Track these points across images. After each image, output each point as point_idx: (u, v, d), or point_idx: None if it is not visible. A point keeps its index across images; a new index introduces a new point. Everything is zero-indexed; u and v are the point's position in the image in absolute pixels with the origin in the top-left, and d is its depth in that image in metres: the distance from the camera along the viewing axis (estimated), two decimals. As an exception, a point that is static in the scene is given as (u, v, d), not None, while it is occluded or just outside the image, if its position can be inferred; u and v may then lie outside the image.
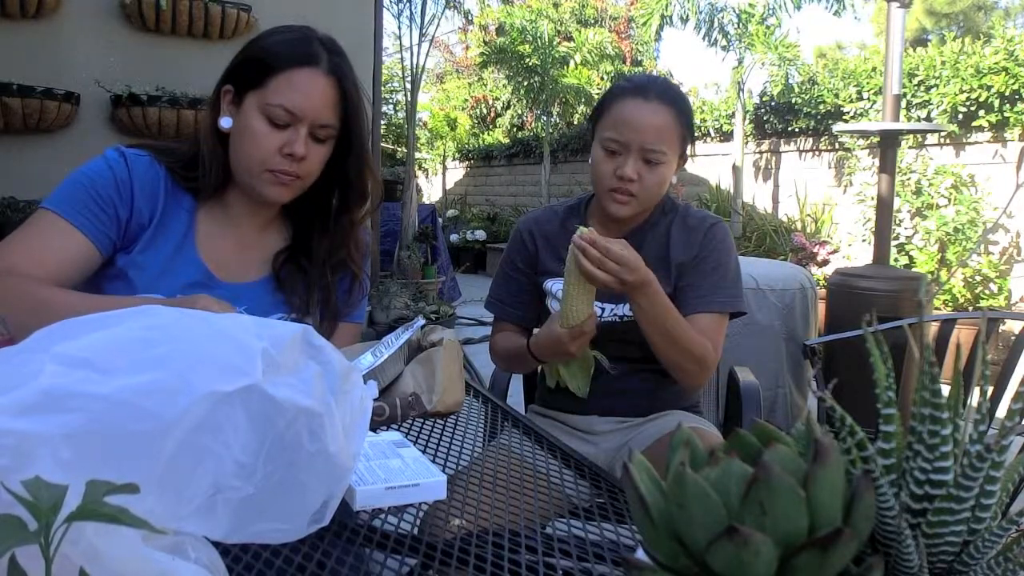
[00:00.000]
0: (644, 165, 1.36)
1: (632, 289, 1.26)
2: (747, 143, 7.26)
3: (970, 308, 5.14)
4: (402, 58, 7.07)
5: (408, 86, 6.95)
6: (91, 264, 1.11)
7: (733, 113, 7.30)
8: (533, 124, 12.22)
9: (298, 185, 1.19)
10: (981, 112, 5.50)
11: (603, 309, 1.42)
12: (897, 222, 5.43)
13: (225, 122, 1.17)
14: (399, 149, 10.73)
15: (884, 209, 3.47)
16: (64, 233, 1.09)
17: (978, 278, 5.26)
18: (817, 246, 5.52)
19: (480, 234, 10.04)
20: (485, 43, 10.99)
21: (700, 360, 1.34)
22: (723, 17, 7.33)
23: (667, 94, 1.39)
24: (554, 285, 1.46)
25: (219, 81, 1.19)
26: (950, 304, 5.27)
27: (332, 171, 1.23)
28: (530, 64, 9.47)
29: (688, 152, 1.46)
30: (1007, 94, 5.34)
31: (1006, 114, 5.38)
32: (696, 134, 8.08)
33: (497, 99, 13.28)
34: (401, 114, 10.63)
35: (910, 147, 5.82)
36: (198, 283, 1.17)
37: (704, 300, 1.40)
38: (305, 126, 1.14)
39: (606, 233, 1.48)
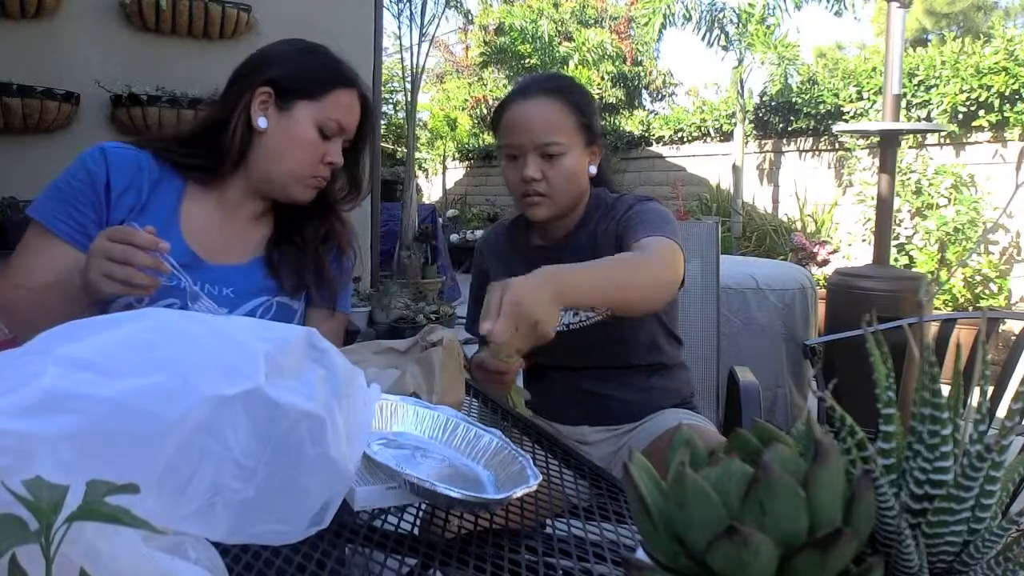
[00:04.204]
0: (544, 161, 1.34)
1: (540, 305, 0.95)
2: (747, 143, 7.25)
3: (970, 308, 5.13)
4: (402, 58, 7.08)
5: (408, 86, 6.95)
6: (79, 263, 1.12)
7: (733, 113, 7.29)
8: (533, 124, 12.17)
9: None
10: (981, 112, 5.50)
11: None
12: (897, 222, 5.43)
13: (262, 122, 1.22)
14: (399, 149, 10.72)
15: (884, 209, 3.47)
16: (49, 242, 1.15)
17: (978, 278, 5.25)
18: (817, 246, 5.51)
19: (480, 234, 10.02)
20: (485, 43, 10.98)
21: (669, 269, 1.19)
22: (723, 17, 7.33)
23: (549, 86, 1.38)
24: None
25: (251, 81, 1.22)
26: (950, 304, 5.27)
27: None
28: (530, 64, 9.46)
29: (599, 141, 1.41)
30: (1007, 94, 5.34)
31: (1006, 114, 5.37)
32: (696, 134, 8.10)
33: (497, 99, 13.25)
34: (401, 114, 10.62)
35: (910, 147, 5.82)
36: (182, 264, 1.18)
37: (641, 232, 1.27)
38: (342, 139, 1.26)
39: (547, 240, 1.46)
